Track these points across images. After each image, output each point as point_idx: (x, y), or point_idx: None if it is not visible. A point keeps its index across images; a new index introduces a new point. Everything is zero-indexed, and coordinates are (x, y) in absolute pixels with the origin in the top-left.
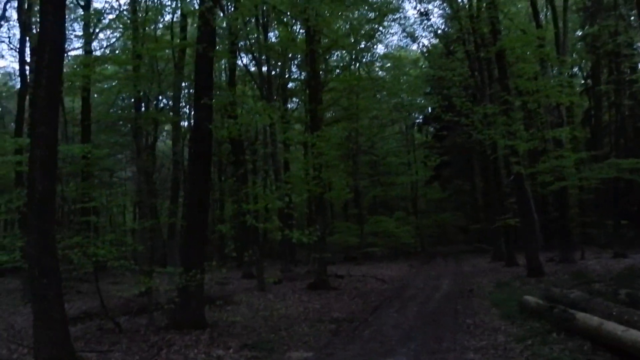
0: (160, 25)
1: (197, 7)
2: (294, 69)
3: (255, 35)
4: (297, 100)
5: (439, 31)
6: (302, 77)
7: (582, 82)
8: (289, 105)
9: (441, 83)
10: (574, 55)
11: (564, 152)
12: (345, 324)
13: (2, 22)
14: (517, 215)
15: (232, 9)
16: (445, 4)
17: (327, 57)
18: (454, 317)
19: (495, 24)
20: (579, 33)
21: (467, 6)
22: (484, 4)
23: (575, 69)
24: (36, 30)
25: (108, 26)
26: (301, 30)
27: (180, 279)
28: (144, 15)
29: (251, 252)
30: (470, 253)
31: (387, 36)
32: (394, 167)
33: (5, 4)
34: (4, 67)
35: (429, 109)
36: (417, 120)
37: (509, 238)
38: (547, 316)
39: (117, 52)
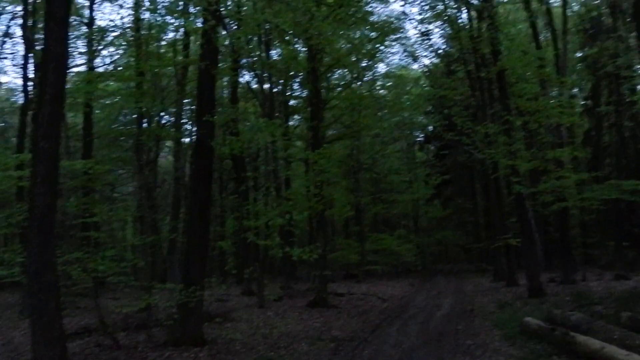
0: (163, 43)
1: (200, 25)
2: (295, 86)
3: (258, 52)
4: (299, 117)
5: (440, 51)
6: (304, 95)
7: (583, 102)
8: (291, 122)
9: (442, 102)
10: (574, 76)
11: (565, 172)
12: (345, 342)
13: (6, 39)
14: (518, 234)
15: (235, 27)
16: (446, 25)
17: (329, 75)
18: (455, 337)
19: (496, 45)
20: (579, 54)
21: (467, 27)
22: (485, 25)
23: (576, 90)
24: (39, 46)
25: (111, 43)
26: (303, 49)
27: (179, 295)
28: (147, 32)
29: (252, 269)
30: (471, 272)
31: (389, 55)
32: (396, 185)
33: (10, 20)
34: (7, 82)
35: (430, 128)
36: (419, 139)
37: (510, 257)
38: (548, 338)
39: (120, 68)
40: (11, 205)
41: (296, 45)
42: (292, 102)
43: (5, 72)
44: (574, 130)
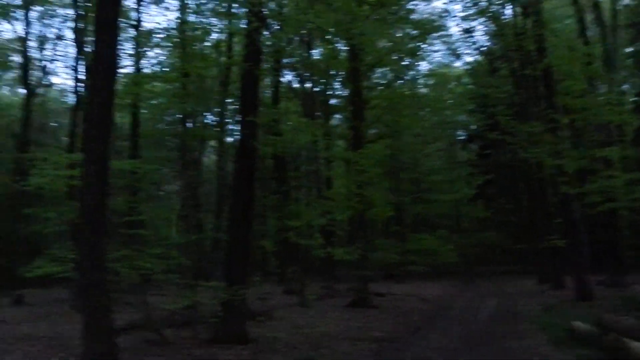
0: (207, 44)
1: (244, 26)
2: (336, 85)
3: (299, 52)
4: (340, 116)
5: (483, 48)
6: (345, 94)
7: (633, 99)
8: (331, 122)
9: (485, 100)
10: (623, 73)
11: (614, 172)
12: (387, 343)
13: (58, 41)
14: (564, 236)
15: (277, 27)
16: (489, 21)
17: (370, 74)
18: (499, 340)
19: (542, 41)
20: (630, 50)
21: (512, 23)
22: (530, 21)
23: (626, 87)
24: (90, 49)
25: (157, 45)
26: (344, 48)
27: (223, 293)
28: (192, 34)
29: (293, 268)
30: (514, 274)
31: (430, 53)
32: (436, 185)
33: (61, 23)
34: (59, 83)
35: (473, 127)
36: (460, 138)
37: (556, 259)
38: (597, 343)
39: (165, 69)
40: (62, 203)
41: (337, 45)
42: (333, 102)
43: (57, 74)
44: (623, 128)
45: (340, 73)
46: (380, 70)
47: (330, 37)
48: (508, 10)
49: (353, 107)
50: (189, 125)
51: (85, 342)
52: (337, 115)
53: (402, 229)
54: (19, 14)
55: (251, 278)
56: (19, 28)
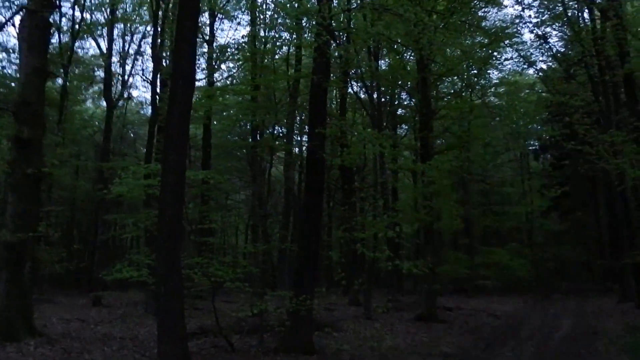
0: (277, 57)
1: (312, 39)
2: (403, 95)
3: (366, 63)
4: (406, 127)
5: (558, 54)
6: (412, 104)
7: None
8: (398, 132)
9: (561, 109)
10: None
11: None
12: None
13: (137, 57)
14: None
15: (346, 40)
16: (565, 27)
17: (439, 83)
18: None
19: (623, 46)
20: None
21: (590, 27)
22: (610, 25)
23: None
24: (167, 63)
25: (229, 59)
26: (412, 57)
27: (290, 303)
28: (262, 47)
29: (360, 280)
30: (593, 292)
31: (502, 61)
32: (508, 196)
33: (140, 40)
34: (137, 96)
35: (547, 136)
36: (534, 148)
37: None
38: None
39: (237, 83)
40: (139, 210)
41: (405, 55)
42: (400, 112)
43: (136, 87)
44: None
45: (407, 83)
46: (449, 79)
47: (398, 47)
48: (585, 14)
49: (421, 117)
50: (259, 136)
51: (160, 345)
52: (404, 125)
53: (471, 241)
54: (103, 31)
55: (319, 289)
56: (103, 45)
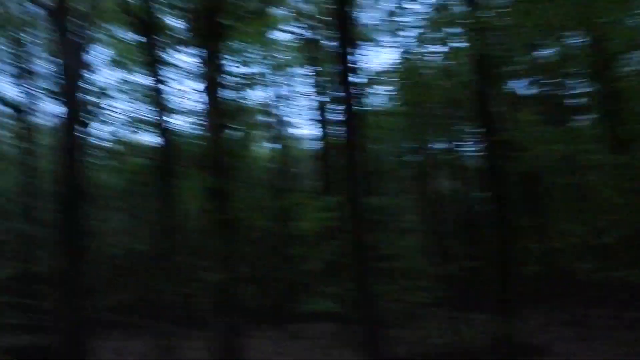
0: (431, 71)
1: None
2: (575, 83)
3: (527, 56)
4: (587, 117)
5: None
6: (590, 91)
7: None
8: (579, 124)
9: None
10: None
11: None
12: None
13: (298, 97)
14: None
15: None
16: None
17: (617, 63)
18: None
19: None
20: None
21: None
22: None
23: None
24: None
25: (384, 82)
26: (579, 42)
27: (494, 326)
28: (415, 64)
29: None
30: None
31: None
32: None
33: (299, 82)
34: (299, 134)
35: None
36: None
37: None
38: None
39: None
40: (319, 243)
41: (572, 40)
42: (575, 102)
43: (298, 126)
44: None
45: (578, 71)
46: (630, 56)
47: (565, 32)
48: None
49: (605, 104)
50: (423, 154)
51: None
52: (584, 117)
53: None
54: (265, 80)
55: (522, 309)
56: (264, 93)
